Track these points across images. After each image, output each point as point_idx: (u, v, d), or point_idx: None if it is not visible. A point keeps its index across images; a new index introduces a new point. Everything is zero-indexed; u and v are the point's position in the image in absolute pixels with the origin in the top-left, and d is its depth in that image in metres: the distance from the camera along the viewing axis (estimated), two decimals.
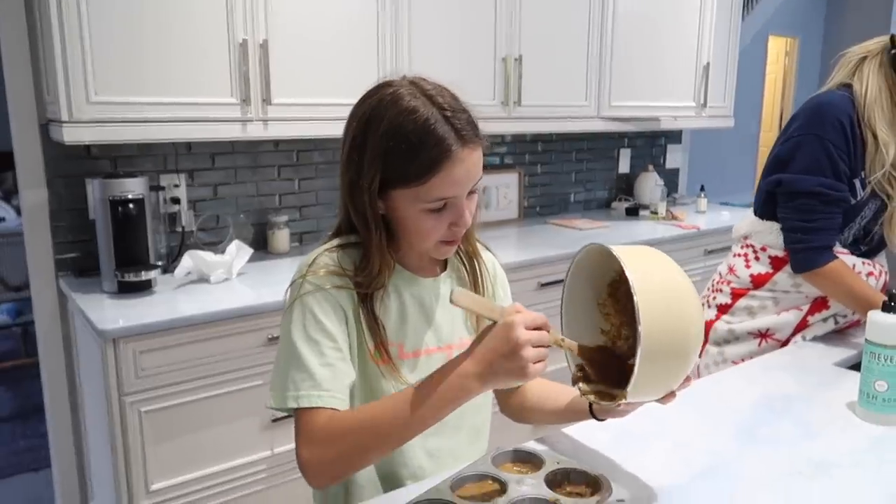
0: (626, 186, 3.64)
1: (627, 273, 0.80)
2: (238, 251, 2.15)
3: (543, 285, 2.50)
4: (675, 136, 3.87)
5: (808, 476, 1.04)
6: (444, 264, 1.08)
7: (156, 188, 2.18)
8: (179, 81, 1.94)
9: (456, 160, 0.89)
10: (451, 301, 0.83)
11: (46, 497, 2.41)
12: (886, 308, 1.21)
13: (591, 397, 0.90)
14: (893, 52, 1.47)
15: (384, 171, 0.91)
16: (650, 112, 3.16)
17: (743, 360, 1.65)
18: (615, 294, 0.98)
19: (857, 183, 1.50)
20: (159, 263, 2.02)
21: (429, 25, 2.39)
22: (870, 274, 1.56)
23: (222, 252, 2.16)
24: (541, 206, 3.35)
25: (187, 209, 2.30)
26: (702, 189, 3.55)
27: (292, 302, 0.96)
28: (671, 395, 0.89)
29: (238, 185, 2.43)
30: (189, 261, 2.06)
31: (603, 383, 0.91)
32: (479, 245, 1.11)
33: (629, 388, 0.81)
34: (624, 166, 3.64)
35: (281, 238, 2.45)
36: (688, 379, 0.88)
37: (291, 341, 0.93)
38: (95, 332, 1.71)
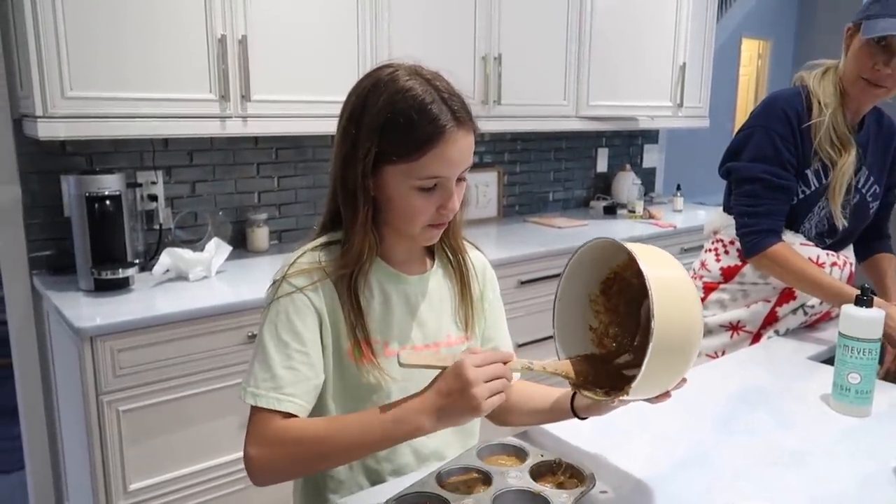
0: (603, 185, 3.68)
1: (642, 267, 0.81)
2: (217, 249, 2.14)
3: (523, 283, 2.52)
4: (651, 136, 3.92)
5: (784, 465, 1.07)
6: (431, 260, 1.09)
7: (132, 185, 2.15)
8: (157, 77, 1.92)
9: (450, 139, 0.91)
10: (400, 365, 0.84)
11: (19, 499, 2.37)
12: (859, 302, 1.24)
13: (595, 395, 0.90)
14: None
15: (380, 144, 0.92)
16: (627, 112, 3.20)
17: (716, 353, 1.68)
18: (607, 292, 0.99)
19: (810, 174, 1.56)
20: (137, 261, 2.00)
21: (409, 23, 2.39)
22: (833, 264, 1.60)
23: (201, 250, 2.14)
24: (520, 204, 3.37)
25: (165, 206, 2.28)
26: (678, 188, 3.60)
27: (269, 302, 0.97)
28: (666, 394, 0.90)
29: (216, 183, 2.40)
30: (167, 258, 2.04)
31: (590, 385, 0.92)
32: (468, 244, 1.12)
33: (634, 384, 0.82)
34: (602, 165, 3.68)
35: (260, 236, 2.43)
36: (683, 380, 0.89)
37: (262, 340, 0.95)
38: (72, 331, 1.68)
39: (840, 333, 1.25)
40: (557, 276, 0.97)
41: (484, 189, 3.17)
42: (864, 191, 1.61)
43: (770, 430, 1.19)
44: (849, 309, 1.24)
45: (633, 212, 3.33)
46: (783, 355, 1.55)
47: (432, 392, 0.85)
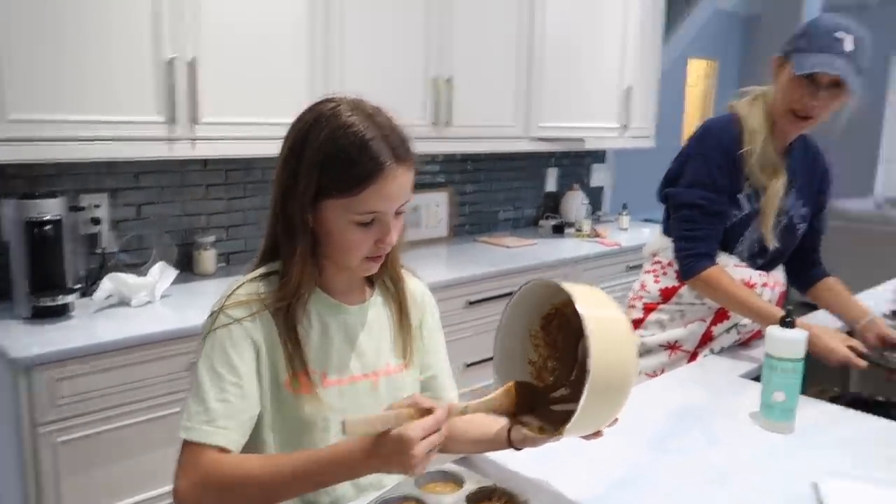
0: (553, 204, 3.75)
1: (580, 308, 0.84)
2: (162, 273, 2.11)
3: (471, 303, 2.54)
4: (599, 156, 4.01)
5: (715, 483, 1.11)
6: (370, 289, 1.10)
7: (75, 208, 2.11)
8: (101, 99, 1.89)
9: (389, 176, 0.93)
10: (343, 434, 0.81)
11: None
12: (783, 323, 1.30)
13: (532, 431, 0.92)
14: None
15: (320, 179, 0.93)
16: (575, 133, 3.28)
17: (655, 372, 1.73)
18: (547, 327, 1.02)
19: (742, 198, 1.63)
20: (77, 287, 1.96)
21: (361, 45, 2.42)
22: (764, 284, 1.67)
23: (145, 274, 2.11)
24: (470, 224, 3.41)
25: (109, 230, 2.24)
26: (624, 207, 3.69)
27: (206, 334, 0.98)
28: (598, 433, 0.93)
29: (163, 205, 2.38)
30: (109, 283, 2.00)
31: (527, 419, 0.95)
32: (406, 273, 1.14)
33: (569, 424, 0.84)
34: (551, 185, 3.75)
35: (207, 259, 2.41)
36: (615, 419, 0.92)
37: (197, 373, 0.96)
38: (7, 361, 1.64)
39: (766, 354, 1.31)
40: (506, 296, 1.00)
41: (434, 209, 3.20)
42: (792, 213, 1.69)
43: (702, 447, 1.24)
44: (773, 330, 1.30)
45: (581, 230, 3.41)
46: (717, 373, 1.61)
47: (372, 455, 0.84)
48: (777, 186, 1.61)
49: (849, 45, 1.47)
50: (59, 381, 1.66)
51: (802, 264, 1.82)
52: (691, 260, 1.63)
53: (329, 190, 0.94)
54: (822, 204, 1.79)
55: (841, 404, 1.47)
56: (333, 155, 0.93)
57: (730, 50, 10.07)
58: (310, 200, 0.95)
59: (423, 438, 0.81)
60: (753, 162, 1.60)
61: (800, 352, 1.28)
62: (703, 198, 1.61)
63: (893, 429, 1.31)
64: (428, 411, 0.84)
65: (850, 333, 1.65)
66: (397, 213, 0.98)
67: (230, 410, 0.94)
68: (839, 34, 1.48)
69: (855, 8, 8.73)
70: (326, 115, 0.95)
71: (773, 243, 1.66)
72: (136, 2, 1.91)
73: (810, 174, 1.74)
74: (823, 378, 1.62)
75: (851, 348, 1.50)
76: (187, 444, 0.93)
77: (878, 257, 4.74)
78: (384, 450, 0.83)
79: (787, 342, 1.28)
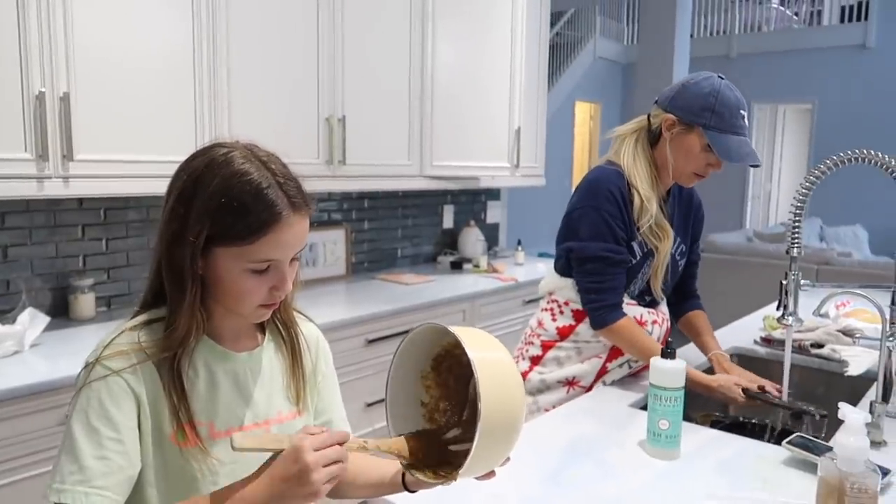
0: (450, 241, 3.80)
1: (468, 350, 0.84)
2: (31, 320, 1.95)
3: (371, 342, 2.52)
4: (494, 193, 4.12)
5: None
6: (262, 335, 1.07)
7: None
8: None
9: (285, 225, 0.91)
10: (233, 448, 0.80)
11: None
12: (665, 354, 1.37)
13: (426, 477, 0.91)
14: (649, 129, 1.71)
15: (212, 227, 0.90)
16: (469, 171, 3.35)
17: (554, 406, 1.76)
18: (438, 368, 1.02)
19: (635, 245, 1.70)
20: None
21: (249, 83, 2.37)
22: (654, 322, 1.76)
23: (12, 321, 1.94)
24: (369, 261, 3.39)
25: None
26: (519, 243, 3.80)
27: (80, 387, 0.90)
28: (491, 473, 0.94)
29: (34, 247, 2.21)
30: None
31: (421, 463, 0.94)
32: (300, 316, 1.11)
33: (462, 469, 0.84)
34: (448, 221, 3.80)
35: (85, 303, 2.25)
36: (507, 458, 0.93)
37: (70, 429, 0.88)
38: None
39: (651, 384, 1.37)
40: (405, 332, 0.99)
41: (332, 247, 3.16)
42: (674, 252, 1.79)
43: (595, 479, 1.27)
44: (656, 361, 1.37)
45: (478, 266, 3.47)
46: (608, 404, 1.66)
47: (268, 477, 0.82)
48: (667, 247, 1.71)
49: (746, 121, 1.62)
50: None
51: (680, 296, 1.93)
52: (602, 311, 1.68)
53: (222, 238, 0.91)
54: (696, 236, 1.91)
55: (720, 428, 1.55)
56: (227, 203, 0.90)
57: (611, 94, 10.75)
58: (200, 248, 0.91)
59: (317, 450, 0.80)
60: (644, 227, 1.67)
61: (680, 381, 1.35)
62: (605, 249, 1.66)
63: (767, 450, 1.40)
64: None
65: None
66: (292, 260, 0.97)
67: (108, 468, 0.87)
68: (742, 112, 1.61)
69: (718, 59, 9.58)
70: (218, 161, 0.92)
71: (661, 295, 1.77)
72: (2, 31, 1.80)
73: (685, 211, 1.86)
74: (706, 404, 1.72)
75: (762, 388, 1.61)
76: None
77: (752, 286, 5.11)
78: (281, 470, 0.81)
79: (669, 372, 1.35)
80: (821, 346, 2.02)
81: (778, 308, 1.56)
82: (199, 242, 0.90)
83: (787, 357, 1.61)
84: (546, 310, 1.84)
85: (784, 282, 1.54)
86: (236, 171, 0.91)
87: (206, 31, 2.23)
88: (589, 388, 1.78)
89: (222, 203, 0.90)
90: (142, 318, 0.97)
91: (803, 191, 1.51)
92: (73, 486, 0.85)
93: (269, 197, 0.91)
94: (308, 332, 1.12)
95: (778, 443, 1.38)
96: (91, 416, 0.88)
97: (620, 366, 1.79)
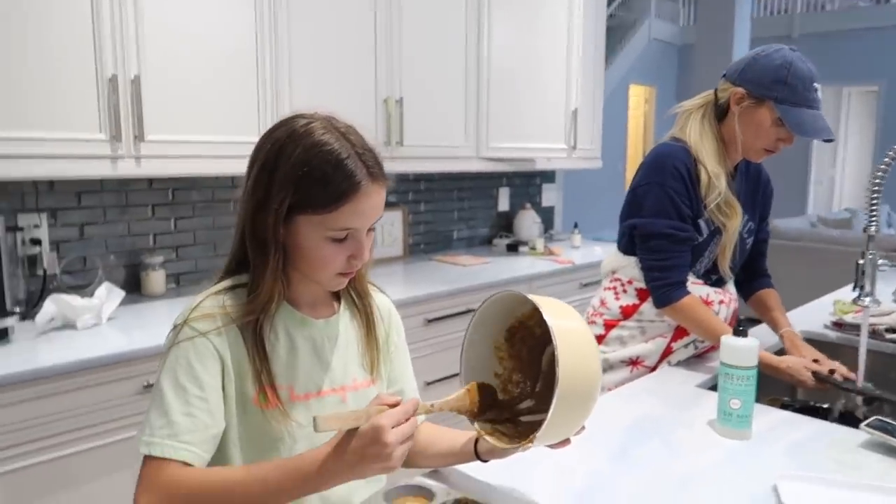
0: (506, 223, 3.79)
1: (546, 318, 0.85)
2: (108, 294, 2.03)
3: (430, 321, 2.54)
4: (549, 176, 4.09)
5: (675, 490, 1.12)
6: (337, 303, 1.09)
7: (13, 229, 2.02)
8: (40, 115, 1.83)
9: (364, 194, 0.93)
10: (316, 430, 0.81)
11: None
12: (737, 333, 1.34)
13: (501, 442, 0.92)
14: (716, 103, 1.67)
15: (294, 195, 0.92)
16: (525, 153, 3.33)
17: (617, 386, 1.75)
18: (511, 339, 1.03)
19: (702, 223, 1.66)
20: (17, 310, 1.87)
21: (310, 65, 2.41)
22: (721, 302, 1.72)
23: (90, 295, 2.03)
24: (425, 243, 3.41)
25: (49, 251, 2.15)
26: (575, 226, 3.77)
27: (169, 347, 0.94)
28: (566, 441, 0.94)
29: (107, 225, 2.30)
30: (52, 306, 1.92)
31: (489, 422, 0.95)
32: (374, 288, 1.13)
33: (540, 432, 0.85)
34: (503, 204, 3.79)
35: (156, 280, 2.34)
36: (582, 427, 0.93)
37: (160, 386, 0.92)
38: None
39: (721, 362, 1.34)
40: (463, 313, 1.00)
41: (389, 228, 3.19)
42: (742, 230, 1.75)
43: (663, 456, 1.26)
44: (728, 339, 1.34)
45: (534, 249, 3.45)
46: (674, 384, 1.64)
47: (347, 451, 0.83)
48: (735, 224, 1.66)
49: (820, 94, 1.56)
50: None
51: (749, 274, 1.88)
52: (666, 289, 1.65)
53: (303, 206, 0.93)
54: (765, 213, 1.86)
55: (791, 411, 1.52)
56: (309, 173, 0.92)
57: (667, 77, 10.48)
58: (283, 215, 0.94)
59: (394, 427, 0.81)
60: (712, 203, 1.63)
61: (753, 360, 1.32)
62: (670, 227, 1.63)
63: (840, 433, 1.36)
64: (394, 405, 0.84)
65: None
66: (368, 230, 0.98)
67: (195, 425, 0.90)
68: (816, 84, 1.55)
69: (779, 40, 9.23)
70: (300, 132, 0.94)
71: (729, 275, 1.72)
72: (77, 19, 1.86)
73: (753, 188, 1.81)
74: (773, 387, 1.67)
75: (833, 371, 1.56)
76: (148, 460, 0.89)
77: (815, 272, 4.95)
78: (360, 446, 0.82)
79: (741, 350, 1.32)
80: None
81: (854, 289, 1.51)
82: (283, 210, 0.93)
83: (863, 340, 1.55)
84: (609, 289, 1.82)
85: (860, 261, 1.49)
86: (317, 141, 0.93)
87: (268, 17, 2.27)
88: (653, 369, 1.76)
89: (304, 172, 0.92)
90: (226, 283, 1.00)
91: (883, 167, 1.45)
92: (163, 439, 0.89)
93: (349, 167, 0.93)
94: (381, 302, 1.14)
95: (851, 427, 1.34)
96: (179, 375, 0.92)
97: (686, 346, 1.76)
